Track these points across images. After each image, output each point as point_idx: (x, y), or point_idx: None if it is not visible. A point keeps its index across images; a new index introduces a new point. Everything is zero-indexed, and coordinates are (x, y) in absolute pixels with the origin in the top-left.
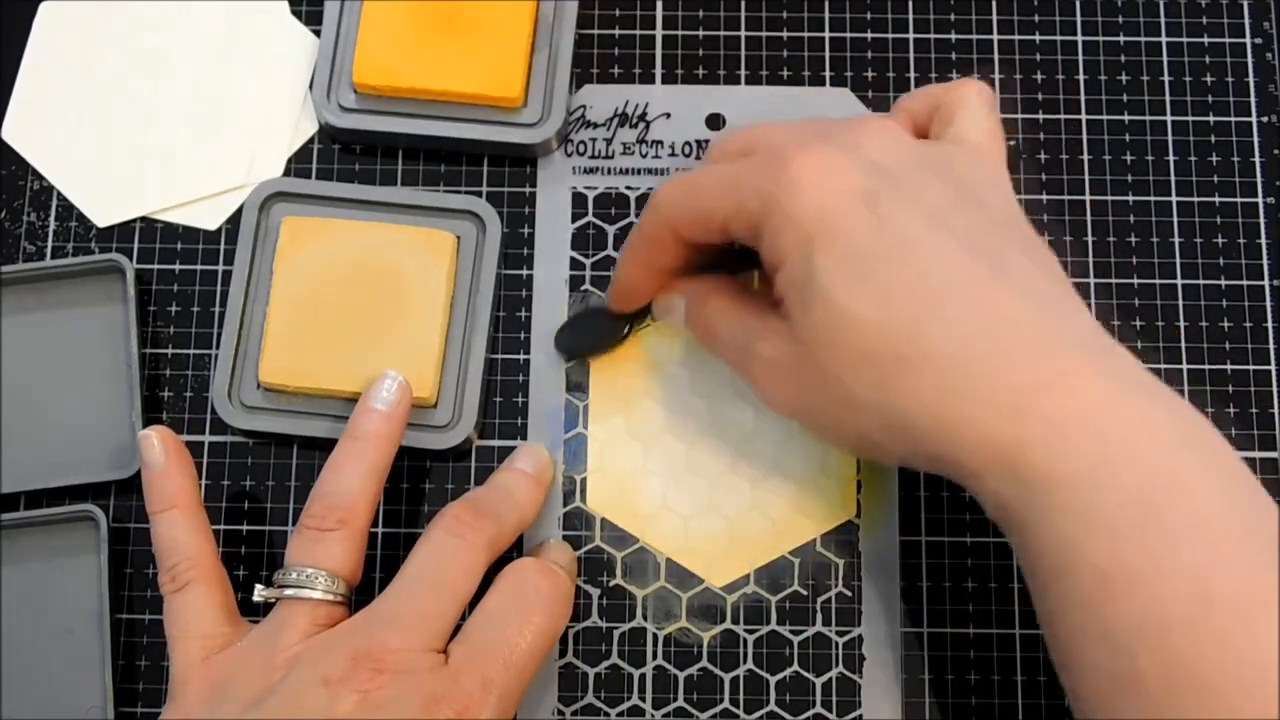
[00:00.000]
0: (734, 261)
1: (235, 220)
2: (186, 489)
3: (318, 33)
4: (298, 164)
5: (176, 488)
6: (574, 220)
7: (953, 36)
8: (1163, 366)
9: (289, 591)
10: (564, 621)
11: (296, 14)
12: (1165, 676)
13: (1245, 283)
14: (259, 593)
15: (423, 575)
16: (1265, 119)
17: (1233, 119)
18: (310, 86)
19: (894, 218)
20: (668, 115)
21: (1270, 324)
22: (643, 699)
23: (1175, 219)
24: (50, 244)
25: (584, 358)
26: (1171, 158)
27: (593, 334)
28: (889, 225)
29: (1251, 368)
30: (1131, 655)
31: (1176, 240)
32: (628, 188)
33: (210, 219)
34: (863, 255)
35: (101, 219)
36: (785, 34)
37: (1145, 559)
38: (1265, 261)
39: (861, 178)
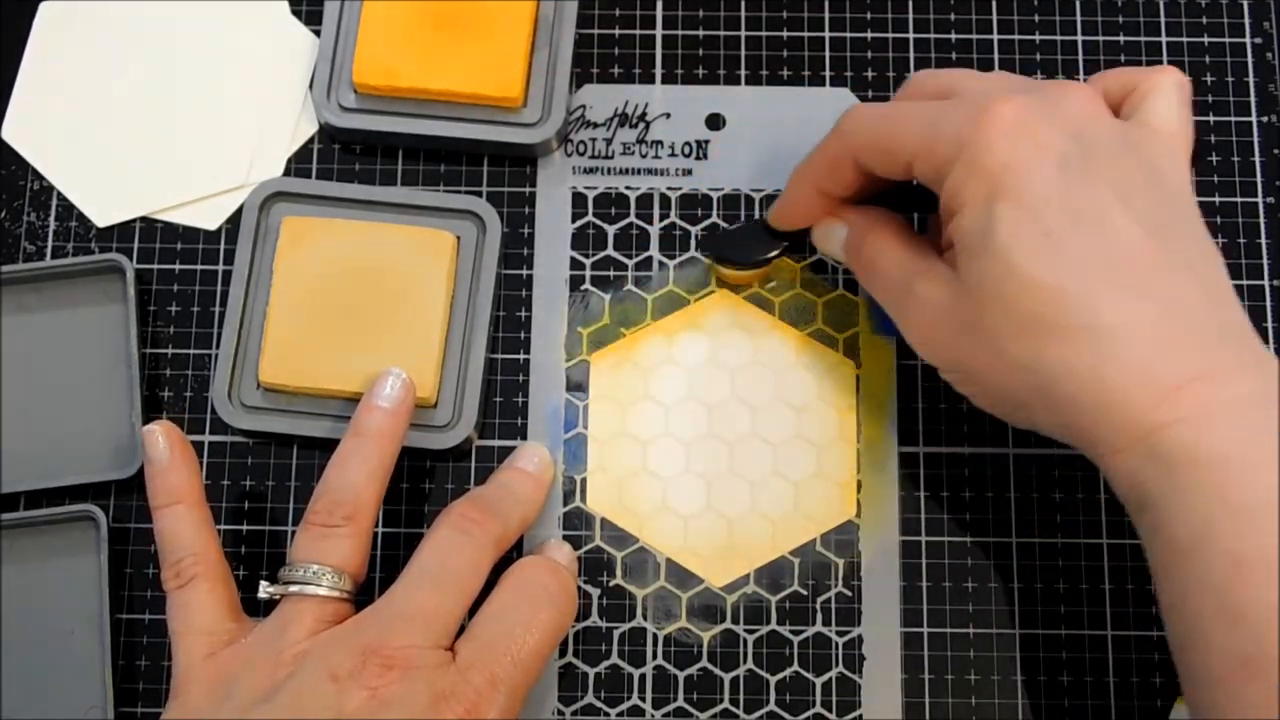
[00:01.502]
0: (899, 200)
1: (235, 220)
2: (190, 484)
3: (318, 32)
4: (298, 164)
5: (180, 483)
6: (574, 220)
7: (953, 36)
8: None
9: (294, 588)
10: (570, 619)
11: (296, 14)
12: None
13: (1245, 283)
14: (264, 589)
15: (429, 572)
16: (1265, 119)
17: (1233, 119)
18: (310, 86)
19: (1084, 186)
20: (668, 115)
21: (1270, 324)
22: (643, 699)
23: None
24: (50, 244)
25: (730, 266)
26: None
27: (744, 245)
28: (1078, 192)
29: None
30: (1261, 639)
31: None
32: (628, 188)
33: (210, 219)
34: (1046, 216)
35: (101, 219)
36: (785, 34)
37: None
38: (1265, 261)
39: (1059, 139)
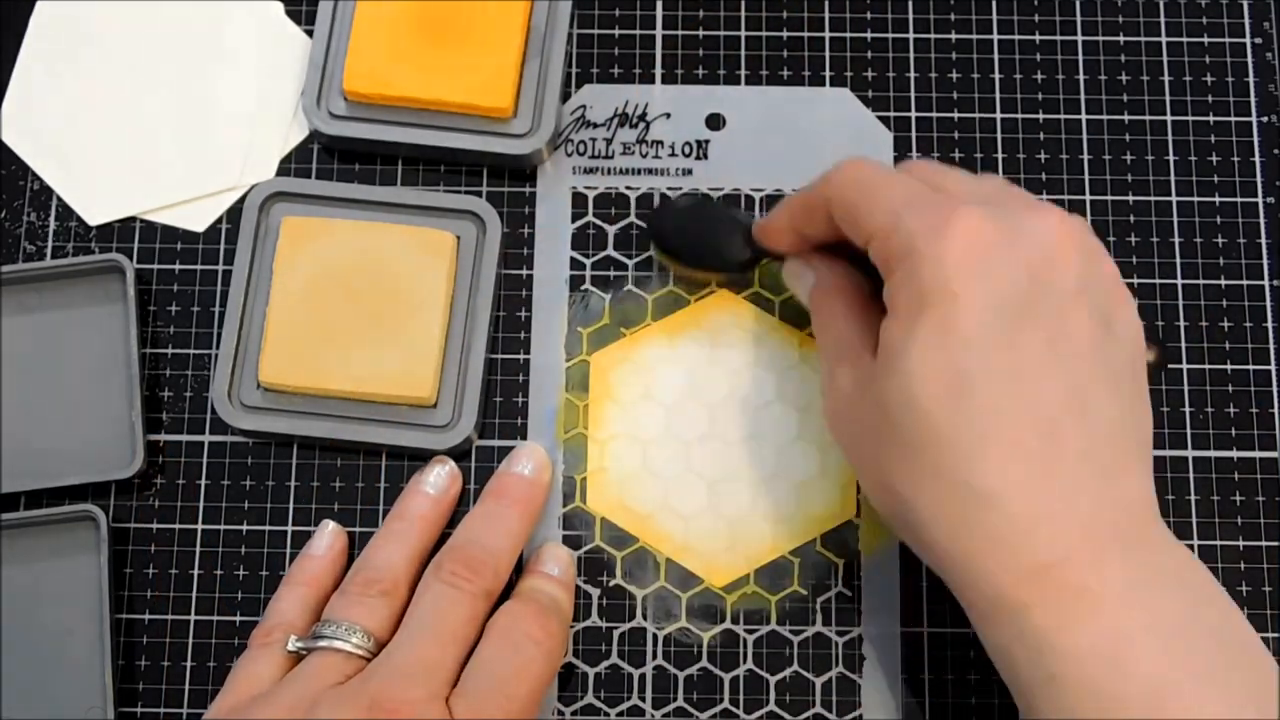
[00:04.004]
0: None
1: (235, 220)
2: (324, 576)
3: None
4: (297, 164)
5: (319, 571)
6: (574, 220)
7: (953, 36)
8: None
9: (322, 642)
10: (559, 662)
11: (293, 16)
12: None
13: (1245, 283)
14: (293, 643)
15: (428, 625)
16: (1265, 119)
17: (1233, 119)
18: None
19: (1018, 336)
20: (668, 115)
21: (1270, 324)
22: (643, 699)
23: (1175, 219)
24: (50, 244)
25: (693, 268)
26: (1171, 158)
27: (718, 246)
28: (1007, 341)
29: (1251, 368)
30: None
31: (1176, 240)
32: (628, 188)
33: (198, 220)
34: (964, 357)
35: (93, 217)
36: (785, 34)
37: None
38: (1265, 261)
39: (1010, 274)
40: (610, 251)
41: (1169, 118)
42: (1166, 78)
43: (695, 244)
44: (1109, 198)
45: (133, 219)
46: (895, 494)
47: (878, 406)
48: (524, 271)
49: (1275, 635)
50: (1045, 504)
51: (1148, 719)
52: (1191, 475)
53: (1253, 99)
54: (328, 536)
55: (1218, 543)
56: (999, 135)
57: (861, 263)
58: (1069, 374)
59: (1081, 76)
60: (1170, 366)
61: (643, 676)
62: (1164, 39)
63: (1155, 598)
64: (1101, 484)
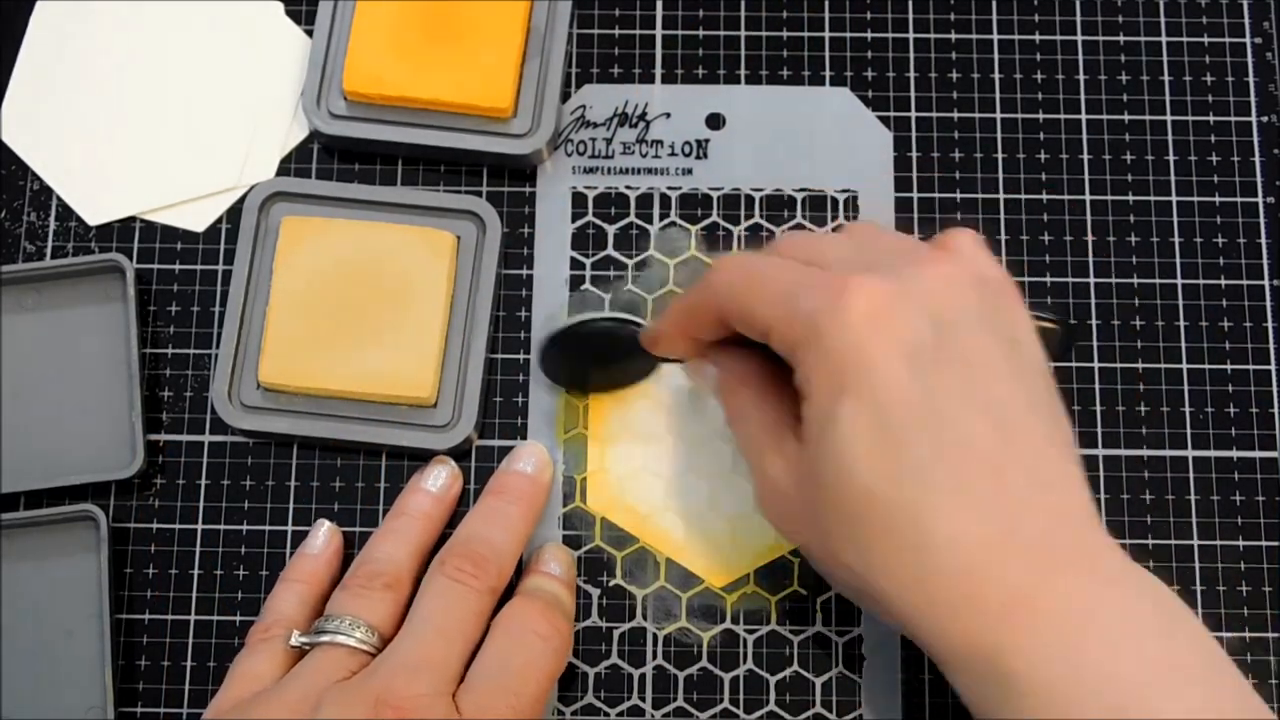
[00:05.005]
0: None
1: (235, 220)
2: (321, 574)
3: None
4: (297, 164)
5: (315, 570)
6: (574, 220)
7: (953, 36)
8: (1163, 366)
9: (325, 638)
10: (565, 659)
11: (294, 16)
12: None
13: (1245, 283)
14: (295, 638)
15: (433, 621)
16: (1265, 119)
17: (1233, 119)
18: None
19: (932, 383)
20: (668, 115)
21: (1270, 324)
22: (643, 699)
23: (1175, 219)
24: (50, 244)
25: (594, 392)
26: (1171, 158)
27: (612, 368)
28: (924, 391)
29: (1251, 368)
30: None
31: (1176, 240)
32: (628, 187)
33: (198, 220)
34: (889, 416)
35: (92, 217)
36: (785, 34)
37: None
38: (1265, 261)
39: (914, 326)
40: (610, 251)
41: (1169, 118)
42: (1166, 78)
43: (588, 370)
44: (1109, 198)
45: (133, 219)
46: (846, 567)
47: (814, 487)
48: (524, 271)
49: (1275, 635)
50: (1000, 537)
51: None
52: (1191, 475)
53: (1253, 99)
54: (323, 535)
55: (1218, 543)
56: (999, 135)
57: (756, 345)
58: (991, 405)
59: (1081, 76)
60: (1170, 366)
61: (643, 676)
62: (1164, 39)
63: (1118, 608)
64: (1043, 501)
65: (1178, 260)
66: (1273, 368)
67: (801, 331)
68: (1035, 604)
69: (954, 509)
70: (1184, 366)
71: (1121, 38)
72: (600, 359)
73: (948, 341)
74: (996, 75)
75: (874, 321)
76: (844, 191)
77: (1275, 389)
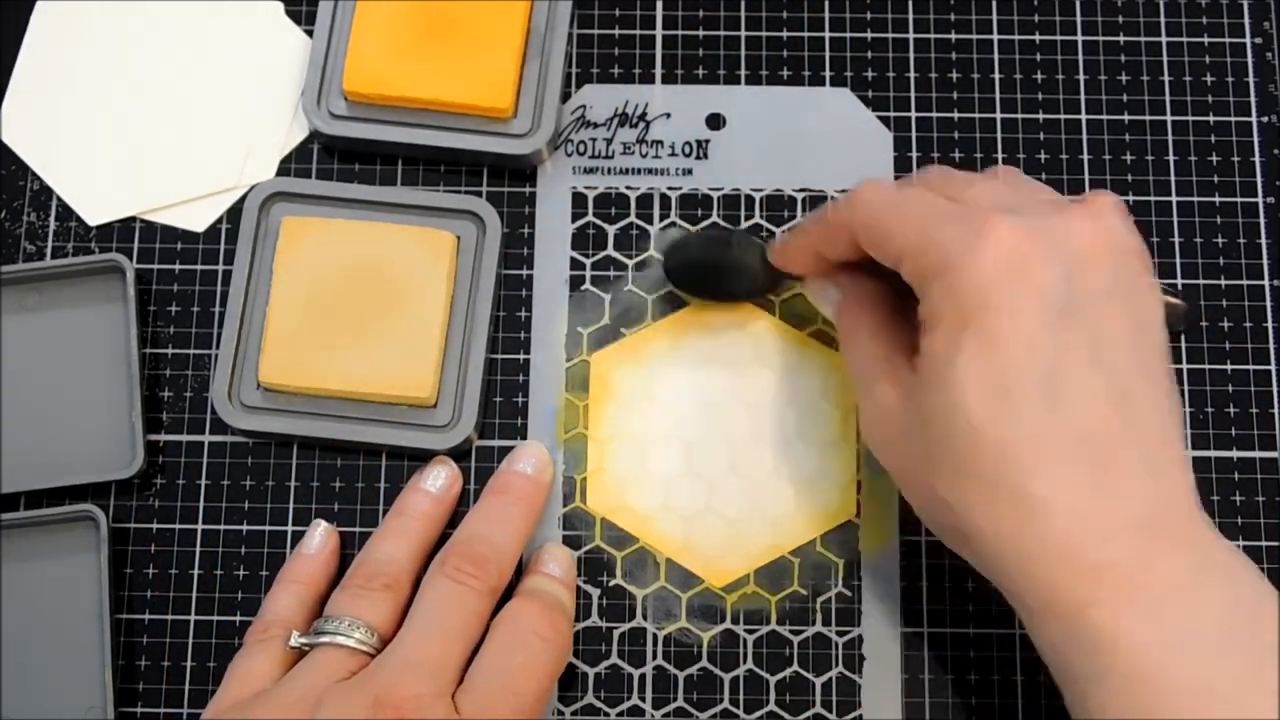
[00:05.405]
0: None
1: (235, 220)
2: (318, 575)
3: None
4: (297, 164)
5: (313, 570)
6: (574, 220)
7: (953, 36)
8: None
9: (325, 638)
10: (566, 657)
11: (294, 16)
12: None
13: (1245, 283)
14: (294, 639)
15: (433, 621)
16: (1265, 119)
17: (1233, 119)
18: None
19: (1059, 340)
20: (668, 115)
21: (1270, 324)
22: (643, 699)
23: (1175, 219)
24: (50, 244)
25: (713, 300)
26: (1171, 158)
27: (736, 276)
28: (1051, 347)
29: (1251, 368)
30: None
31: (1176, 240)
32: (628, 188)
33: (198, 220)
34: (1011, 367)
35: (92, 217)
36: (785, 34)
37: None
38: (1265, 261)
39: (1050, 280)
40: (610, 251)
41: (1169, 118)
42: (1166, 78)
43: (713, 276)
44: None
45: (133, 219)
46: (945, 505)
47: (922, 419)
48: (524, 271)
49: None
50: (1098, 507)
51: (1196, 717)
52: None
53: (1253, 99)
54: (320, 535)
55: None
56: (999, 135)
57: (881, 274)
58: (1112, 376)
59: (1081, 76)
60: (1170, 367)
61: (643, 676)
62: (1164, 39)
63: (1206, 593)
64: (1150, 482)
65: (1178, 260)
66: (1273, 368)
67: (935, 262)
68: (1126, 572)
69: (1059, 470)
70: (1184, 366)
71: (1121, 38)
72: (720, 269)
73: (1079, 302)
74: (996, 75)
75: (1006, 266)
76: (844, 191)
77: (1275, 389)
